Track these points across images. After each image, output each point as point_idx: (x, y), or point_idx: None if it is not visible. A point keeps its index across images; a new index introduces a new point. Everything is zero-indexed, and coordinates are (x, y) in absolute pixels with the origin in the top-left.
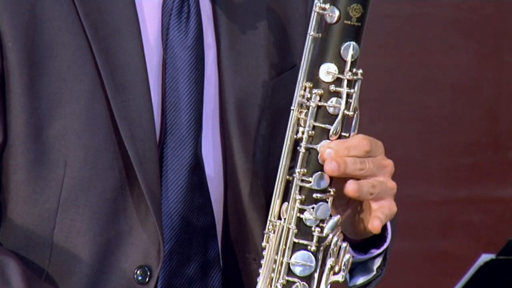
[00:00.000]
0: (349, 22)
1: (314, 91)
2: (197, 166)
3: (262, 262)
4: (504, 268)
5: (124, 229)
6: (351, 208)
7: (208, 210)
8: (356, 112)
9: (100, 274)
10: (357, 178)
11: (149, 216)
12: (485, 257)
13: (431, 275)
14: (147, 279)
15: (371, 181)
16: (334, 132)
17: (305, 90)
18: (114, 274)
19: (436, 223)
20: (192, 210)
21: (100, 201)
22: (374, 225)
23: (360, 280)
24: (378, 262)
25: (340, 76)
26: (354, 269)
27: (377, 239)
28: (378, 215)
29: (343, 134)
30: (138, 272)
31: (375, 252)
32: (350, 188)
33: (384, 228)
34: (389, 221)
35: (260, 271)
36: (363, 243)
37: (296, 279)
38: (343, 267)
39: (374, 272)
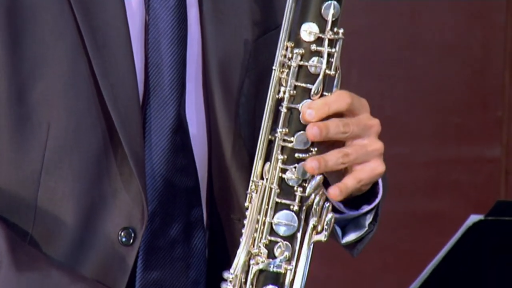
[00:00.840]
0: None
1: (296, 50)
2: (180, 127)
3: (245, 222)
4: (493, 229)
5: (108, 191)
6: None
7: (192, 171)
8: (338, 72)
9: (84, 236)
10: (341, 141)
11: (133, 178)
12: (473, 218)
13: (420, 235)
14: (131, 241)
15: (345, 152)
16: (315, 91)
17: (286, 49)
18: (98, 236)
19: (424, 183)
20: (176, 171)
21: (84, 164)
22: (330, 192)
23: (352, 236)
24: (369, 218)
25: (321, 35)
26: (346, 226)
27: (369, 196)
28: (347, 183)
29: (325, 93)
30: (122, 233)
31: (367, 208)
32: (332, 192)
33: (376, 184)
34: (382, 181)
35: (243, 231)
36: (354, 199)
37: (278, 239)
38: (325, 227)
39: (366, 228)
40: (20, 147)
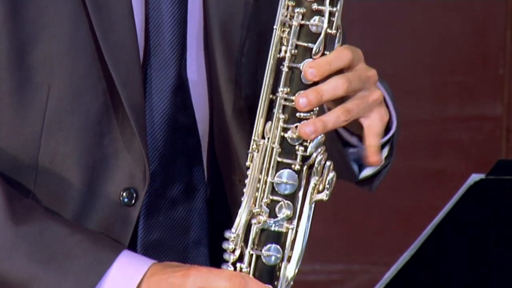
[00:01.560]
0: None
1: (297, 10)
2: (181, 87)
3: (246, 181)
4: (494, 188)
5: (109, 152)
6: None
7: (193, 131)
8: (339, 31)
9: (86, 197)
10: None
11: (134, 138)
12: (475, 177)
13: (421, 194)
14: (133, 201)
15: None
16: (316, 50)
17: (287, 9)
18: (100, 197)
19: (425, 142)
20: (177, 131)
21: (85, 124)
22: (372, 160)
23: (369, 171)
24: (385, 151)
25: None
26: (363, 162)
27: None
28: (373, 143)
29: (326, 52)
30: (124, 194)
31: (381, 141)
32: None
33: (389, 117)
34: (393, 110)
35: (244, 190)
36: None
37: (280, 198)
38: (327, 186)
39: (383, 162)
40: (21, 109)
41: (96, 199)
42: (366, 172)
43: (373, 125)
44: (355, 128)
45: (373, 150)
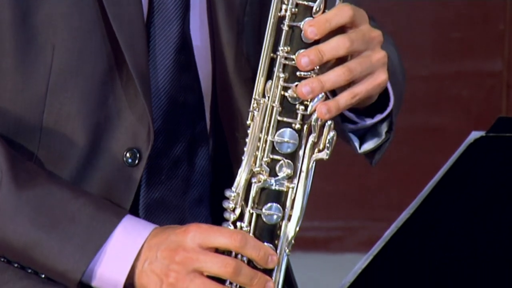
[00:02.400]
0: None
1: None
2: (184, 46)
3: (247, 140)
4: (494, 145)
5: (113, 112)
6: None
7: (196, 88)
8: None
9: (90, 158)
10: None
11: (138, 98)
12: (474, 135)
13: (421, 151)
14: (136, 161)
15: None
16: (317, 9)
17: None
18: (103, 157)
19: (425, 97)
20: (180, 89)
21: (89, 85)
22: (318, 109)
23: (370, 145)
24: (385, 127)
25: None
26: (365, 135)
27: (382, 105)
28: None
29: (327, 11)
30: (127, 154)
31: (379, 117)
32: (320, 109)
33: (386, 93)
34: (390, 85)
35: (245, 149)
36: (368, 109)
37: (280, 157)
38: (327, 145)
39: (383, 137)
40: (25, 69)
41: (100, 159)
42: (367, 146)
43: (361, 84)
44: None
45: (333, 105)
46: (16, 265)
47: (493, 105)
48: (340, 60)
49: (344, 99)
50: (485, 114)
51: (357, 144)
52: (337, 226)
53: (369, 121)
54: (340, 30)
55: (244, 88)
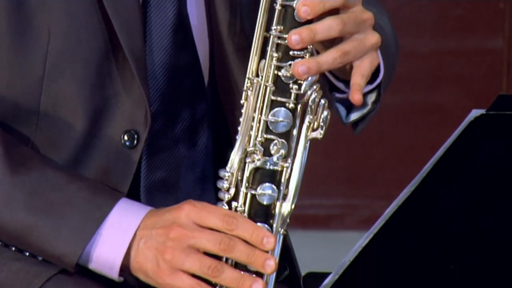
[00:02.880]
0: None
1: None
2: (182, 25)
3: (240, 120)
4: (494, 123)
5: (110, 95)
6: None
7: (195, 68)
8: None
9: (87, 140)
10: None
11: (134, 81)
12: (475, 113)
13: (421, 128)
14: (134, 143)
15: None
16: None
17: None
18: (101, 139)
19: (425, 75)
20: (178, 70)
21: (86, 68)
22: (355, 98)
23: (356, 115)
24: (373, 96)
25: None
26: (351, 105)
27: (372, 76)
28: (357, 82)
29: None
30: (125, 137)
31: (369, 87)
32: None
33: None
34: (382, 57)
35: (239, 129)
36: None
37: (274, 137)
38: (321, 124)
39: (369, 107)
40: (22, 53)
41: (98, 142)
42: (353, 116)
43: (363, 66)
44: (343, 73)
45: (357, 89)
46: (13, 248)
47: (493, 82)
48: (329, 43)
49: (325, 58)
50: (485, 92)
51: (343, 114)
52: (337, 204)
53: None
54: (333, 11)
55: (243, 67)
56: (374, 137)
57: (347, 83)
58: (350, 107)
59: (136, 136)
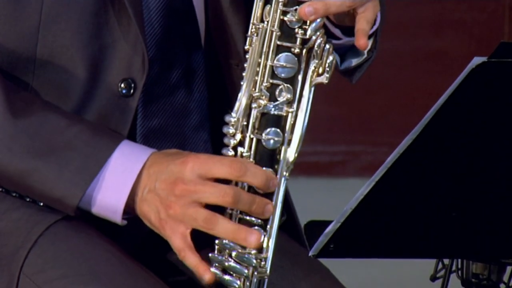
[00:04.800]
0: None
1: None
2: None
3: (245, 65)
4: (496, 71)
5: (107, 42)
6: None
7: (190, 15)
8: None
9: (85, 88)
10: None
11: (131, 26)
12: (477, 60)
13: (423, 74)
14: (131, 91)
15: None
16: None
17: None
18: (98, 87)
19: (427, 21)
20: (174, 16)
21: (82, 16)
22: (360, 43)
23: (351, 62)
24: (369, 44)
25: None
26: (346, 53)
27: None
28: (363, 27)
29: None
30: (122, 85)
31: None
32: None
33: None
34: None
35: (244, 74)
36: (353, 27)
37: (280, 82)
38: (327, 69)
39: (365, 55)
40: (17, 2)
41: (95, 90)
42: (348, 63)
43: (367, 12)
44: (347, 18)
45: (363, 33)
46: (14, 194)
47: (495, 28)
48: None
49: (333, 1)
50: (487, 38)
51: (339, 61)
52: (339, 151)
53: (354, 39)
54: None
55: (236, 14)
56: (376, 84)
57: (343, 29)
58: (344, 54)
59: (133, 84)
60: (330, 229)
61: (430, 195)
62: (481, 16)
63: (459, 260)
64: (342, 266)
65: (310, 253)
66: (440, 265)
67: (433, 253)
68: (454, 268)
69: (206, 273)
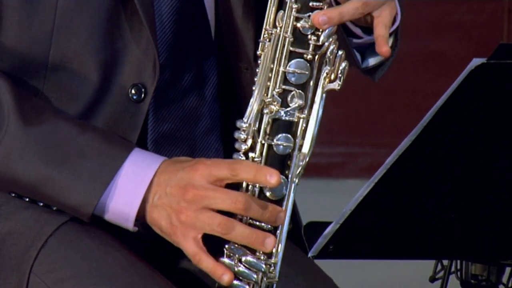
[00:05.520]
0: None
1: None
2: None
3: (257, 70)
4: (495, 72)
5: (119, 47)
6: None
7: (202, 20)
8: None
9: (95, 93)
10: None
11: (143, 31)
12: (476, 61)
13: (423, 75)
14: (141, 97)
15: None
16: None
17: None
18: (109, 92)
19: (426, 23)
20: (185, 21)
21: (95, 21)
22: (382, 51)
23: (372, 61)
24: (390, 42)
25: None
26: (366, 51)
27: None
28: (382, 33)
29: None
30: (132, 90)
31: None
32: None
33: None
34: (398, 4)
35: (256, 79)
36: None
37: (292, 88)
38: (339, 75)
39: (390, 52)
40: (31, 8)
41: (106, 95)
42: (369, 62)
43: (383, 17)
44: (363, 21)
45: (383, 41)
46: (27, 199)
47: (494, 30)
48: None
49: (347, 9)
50: (486, 39)
51: (359, 59)
52: (338, 152)
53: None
54: None
55: (247, 18)
56: (375, 85)
57: (364, 28)
58: (365, 53)
59: (143, 89)
60: (329, 230)
61: (429, 196)
62: (480, 18)
63: (458, 261)
64: (341, 267)
65: (310, 254)
66: (439, 266)
67: (432, 254)
68: (453, 269)
69: (226, 274)
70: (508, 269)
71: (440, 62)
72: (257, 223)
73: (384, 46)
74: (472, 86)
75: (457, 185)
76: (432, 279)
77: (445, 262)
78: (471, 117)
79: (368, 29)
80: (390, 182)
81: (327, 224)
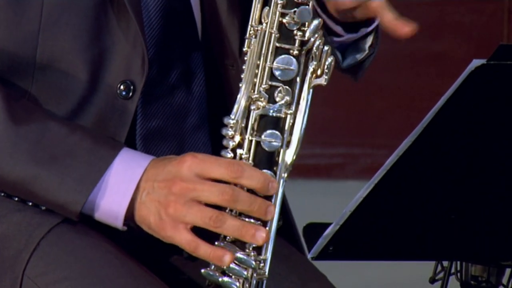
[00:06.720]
0: None
1: None
2: None
3: (244, 67)
4: (495, 73)
5: (107, 45)
6: None
7: (188, 16)
8: None
9: (84, 91)
10: None
11: (131, 27)
12: (476, 62)
13: (423, 76)
14: (130, 94)
15: None
16: None
17: None
18: (98, 91)
19: (427, 24)
20: (172, 17)
21: (82, 19)
22: (403, 32)
23: (352, 60)
24: (369, 40)
25: None
26: (346, 50)
27: (368, 19)
28: (393, 17)
29: None
30: (121, 87)
31: (366, 30)
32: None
33: None
34: None
35: (243, 76)
36: (354, 24)
37: (279, 84)
38: (325, 71)
39: (366, 51)
40: (17, 7)
41: (94, 93)
42: (349, 60)
43: (382, 3)
44: (342, 16)
45: (398, 24)
46: (16, 198)
47: (494, 30)
48: None
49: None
50: (486, 40)
51: (340, 58)
52: (338, 153)
53: (355, 35)
54: None
55: (232, 15)
56: (375, 86)
57: (345, 26)
58: (345, 52)
59: (132, 86)
60: (329, 231)
61: (429, 197)
62: (480, 19)
63: (458, 262)
64: (341, 269)
65: (309, 256)
66: (439, 267)
67: (432, 255)
68: (453, 270)
69: (225, 255)
70: (508, 270)
71: (440, 63)
72: (246, 219)
73: (403, 27)
74: (472, 87)
75: (457, 186)
76: (432, 280)
77: (445, 263)
78: (471, 118)
79: (349, 28)
80: (390, 183)
81: (327, 225)
